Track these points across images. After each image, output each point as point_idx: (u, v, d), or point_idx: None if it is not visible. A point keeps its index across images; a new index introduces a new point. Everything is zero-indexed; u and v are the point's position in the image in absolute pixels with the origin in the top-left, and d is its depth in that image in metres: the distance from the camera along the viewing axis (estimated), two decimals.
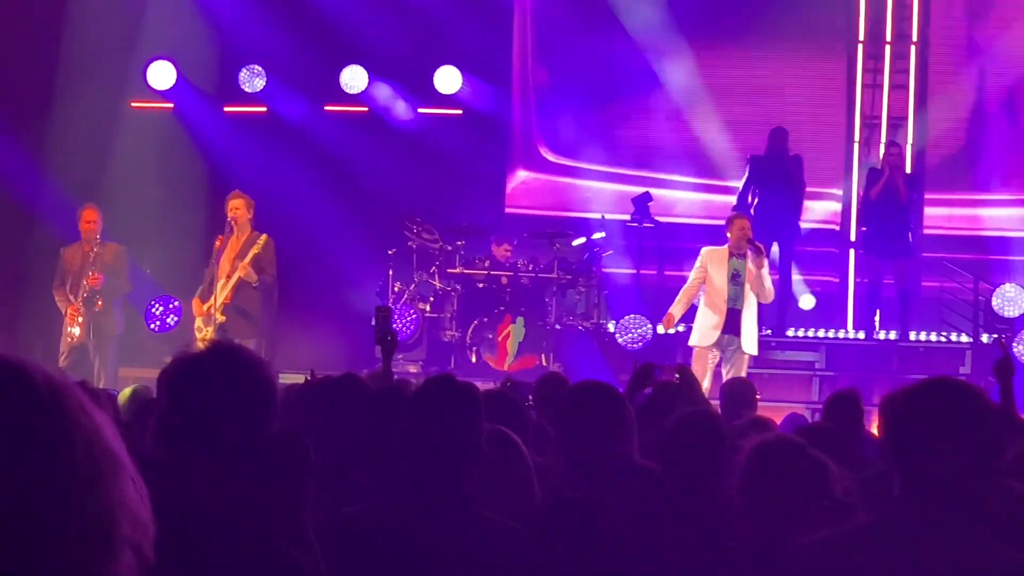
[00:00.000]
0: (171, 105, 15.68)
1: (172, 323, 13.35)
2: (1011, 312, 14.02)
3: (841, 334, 14.89)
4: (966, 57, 16.00)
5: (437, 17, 15.37)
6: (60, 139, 14.93)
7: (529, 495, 4.20)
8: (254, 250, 12.38)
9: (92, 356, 12.62)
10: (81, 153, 14.94)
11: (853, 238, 15.22)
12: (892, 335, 14.34)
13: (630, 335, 13.73)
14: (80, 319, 12.59)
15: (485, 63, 15.75)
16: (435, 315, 14.04)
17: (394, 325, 11.25)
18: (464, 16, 15.40)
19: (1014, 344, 13.05)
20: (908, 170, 14.62)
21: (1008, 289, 14.13)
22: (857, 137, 15.57)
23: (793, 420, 7.43)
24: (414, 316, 13.84)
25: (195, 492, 2.71)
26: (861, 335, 14.53)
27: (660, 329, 12.94)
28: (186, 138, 15.70)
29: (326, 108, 15.66)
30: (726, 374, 11.68)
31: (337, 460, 4.73)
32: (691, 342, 12.19)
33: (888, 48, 15.65)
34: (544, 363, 13.41)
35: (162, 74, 15.31)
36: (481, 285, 13.99)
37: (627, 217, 14.70)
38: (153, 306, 13.40)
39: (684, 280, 12.52)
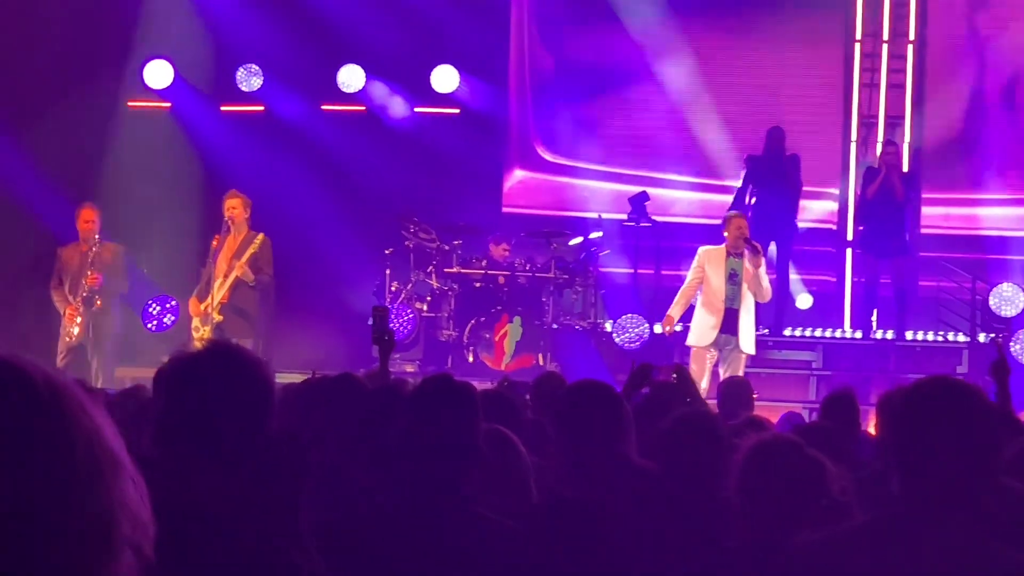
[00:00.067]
0: (168, 104, 15.67)
1: (169, 323, 13.33)
2: (1008, 311, 14.02)
3: (838, 333, 14.90)
4: (963, 56, 15.99)
5: (434, 16, 15.37)
6: (57, 139, 14.90)
7: (526, 495, 4.20)
8: (251, 249, 12.36)
9: (90, 356, 12.58)
10: (78, 153, 14.93)
11: (850, 237, 15.22)
12: (889, 334, 14.33)
13: (627, 335, 13.73)
14: (79, 319, 12.55)
15: (482, 62, 15.74)
16: (432, 315, 14.03)
17: (391, 325, 11.22)
18: (461, 15, 15.39)
19: (1011, 343, 13.06)
20: (905, 169, 14.59)
21: (1005, 288, 14.13)
22: (854, 136, 15.57)
23: (790, 419, 7.43)
24: (411, 316, 13.84)
25: (193, 492, 2.71)
26: (858, 334, 14.52)
27: (659, 330, 12.93)
28: (183, 137, 15.69)
29: (323, 107, 15.65)
30: (723, 373, 11.66)
31: (335, 460, 4.73)
32: (689, 342, 12.18)
33: (885, 47, 15.66)
34: (541, 363, 13.41)
35: (159, 73, 15.30)
36: (478, 284, 13.98)
37: (624, 216, 14.67)
38: (150, 306, 13.37)
39: (681, 280, 12.52)
